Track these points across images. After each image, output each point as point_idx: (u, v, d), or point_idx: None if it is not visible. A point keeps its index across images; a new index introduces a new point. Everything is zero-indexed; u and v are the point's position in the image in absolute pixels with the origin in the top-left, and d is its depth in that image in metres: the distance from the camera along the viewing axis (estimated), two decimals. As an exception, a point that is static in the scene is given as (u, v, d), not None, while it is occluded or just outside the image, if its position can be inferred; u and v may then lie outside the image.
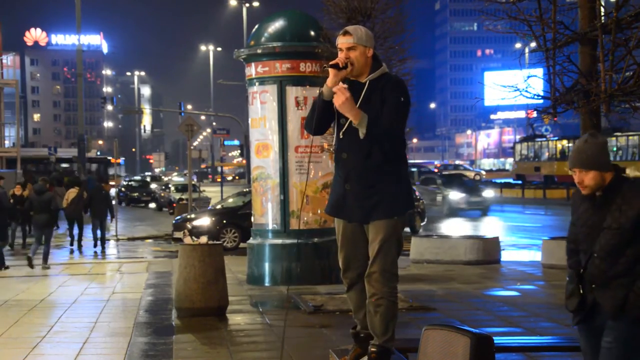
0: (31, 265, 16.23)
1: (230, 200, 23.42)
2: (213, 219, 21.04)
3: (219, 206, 23.28)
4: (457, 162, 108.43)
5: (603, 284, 4.34)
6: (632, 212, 4.25)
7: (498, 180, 61.70)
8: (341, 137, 5.54)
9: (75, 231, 21.44)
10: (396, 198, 5.49)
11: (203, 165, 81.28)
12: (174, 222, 22.47)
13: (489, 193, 36.77)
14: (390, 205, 5.48)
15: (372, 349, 5.59)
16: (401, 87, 5.49)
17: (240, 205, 21.61)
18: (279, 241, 13.01)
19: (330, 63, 5.43)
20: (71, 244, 21.52)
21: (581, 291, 4.45)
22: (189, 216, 22.18)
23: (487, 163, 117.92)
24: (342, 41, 5.48)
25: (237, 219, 20.76)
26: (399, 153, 5.50)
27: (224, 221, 20.88)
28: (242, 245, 19.87)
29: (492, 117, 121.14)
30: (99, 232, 21.04)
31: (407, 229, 25.72)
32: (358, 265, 5.79)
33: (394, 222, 5.52)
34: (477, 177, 71.56)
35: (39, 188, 17.70)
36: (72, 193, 21.39)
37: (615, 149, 46.55)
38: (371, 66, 5.49)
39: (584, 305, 4.45)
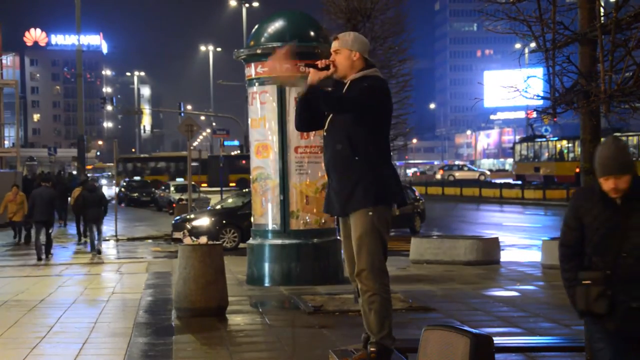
0: (99, 252, 19.81)
1: (230, 200, 23.42)
2: (212, 219, 21.05)
3: (218, 206, 23.28)
4: (458, 162, 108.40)
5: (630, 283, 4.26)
6: None
7: (499, 181, 61.70)
8: (324, 134, 5.84)
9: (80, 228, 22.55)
10: (367, 189, 5.55)
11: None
12: (173, 222, 22.48)
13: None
14: (361, 196, 5.56)
15: (372, 349, 5.58)
16: (370, 82, 5.65)
17: (239, 205, 21.61)
18: (278, 241, 13.01)
19: (306, 63, 5.71)
20: (79, 240, 22.98)
21: (609, 292, 4.32)
22: (188, 216, 22.17)
23: (487, 163, 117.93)
24: (332, 45, 5.89)
25: (236, 219, 20.76)
26: (369, 143, 5.61)
27: (224, 221, 20.89)
28: (241, 245, 19.89)
29: (492, 117, 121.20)
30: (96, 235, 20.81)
31: (407, 229, 25.76)
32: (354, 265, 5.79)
33: (369, 215, 5.56)
34: (482, 177, 71.60)
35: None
36: (77, 191, 22.70)
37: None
38: (359, 69, 5.74)
39: (614, 308, 4.31)
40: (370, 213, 5.56)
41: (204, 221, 21.06)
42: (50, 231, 19.00)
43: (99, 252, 19.93)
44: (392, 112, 5.94)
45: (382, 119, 5.73)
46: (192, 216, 22.06)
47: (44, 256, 18.54)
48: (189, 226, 20.65)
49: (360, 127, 5.63)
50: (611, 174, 4.31)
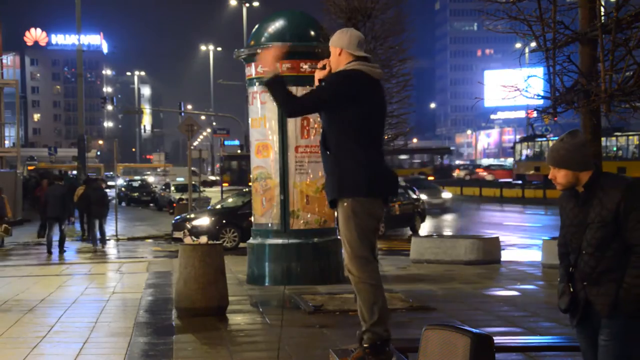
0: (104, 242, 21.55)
1: (230, 200, 23.42)
2: (212, 218, 21.04)
3: (218, 206, 23.29)
4: (458, 161, 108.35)
5: (594, 281, 4.36)
6: (612, 205, 4.29)
7: (500, 180, 61.67)
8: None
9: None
10: (340, 181, 5.68)
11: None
12: (173, 222, 22.49)
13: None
14: (336, 188, 5.72)
15: (365, 345, 5.64)
16: (340, 74, 5.79)
17: (239, 205, 21.59)
18: (279, 241, 13.01)
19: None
20: (82, 236, 23.88)
21: (572, 289, 4.48)
22: (188, 216, 22.18)
23: (487, 163, 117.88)
24: None
25: (236, 219, 20.75)
26: (341, 136, 5.71)
27: (224, 221, 20.88)
28: (241, 245, 19.91)
29: (492, 117, 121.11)
30: (97, 233, 21.78)
31: (408, 229, 25.76)
32: None
33: (344, 206, 5.68)
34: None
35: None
36: (81, 189, 23.38)
37: (615, 148, 46.54)
38: (345, 64, 5.83)
39: (575, 304, 4.48)
40: (345, 204, 5.68)
41: (204, 221, 21.07)
42: (63, 227, 20.00)
43: (103, 242, 21.50)
44: (370, 97, 5.81)
45: (351, 109, 5.70)
46: (192, 216, 22.06)
47: (53, 250, 19.64)
48: (189, 226, 20.67)
49: (332, 122, 5.77)
50: (548, 164, 4.52)
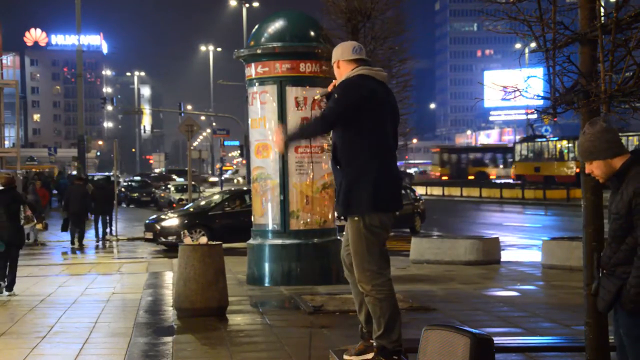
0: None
1: (203, 201, 23.28)
2: (181, 219, 20.87)
3: (192, 207, 23.12)
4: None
5: (609, 271, 4.33)
6: (627, 198, 4.23)
7: (499, 181, 61.69)
8: None
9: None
10: (350, 198, 5.74)
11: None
12: (146, 222, 22.45)
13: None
14: (345, 204, 5.79)
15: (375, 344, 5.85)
16: (341, 86, 5.85)
17: (211, 206, 21.49)
18: (279, 241, 13.01)
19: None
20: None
21: (600, 275, 4.43)
22: (162, 217, 22.19)
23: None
24: None
25: (206, 220, 20.62)
26: (348, 151, 5.75)
27: (193, 222, 20.62)
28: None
29: (492, 117, 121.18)
30: (100, 230, 23.77)
31: (407, 230, 25.77)
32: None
33: (355, 222, 5.76)
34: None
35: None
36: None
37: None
38: (346, 74, 5.91)
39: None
40: (356, 218, 5.76)
41: (172, 222, 20.92)
42: (83, 222, 22.66)
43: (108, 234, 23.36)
44: (379, 99, 5.82)
45: (360, 119, 5.73)
46: (163, 217, 22.04)
47: (76, 242, 22.18)
48: (158, 227, 20.68)
49: (341, 136, 5.81)
50: (582, 160, 4.47)
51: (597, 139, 4.37)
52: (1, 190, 12.67)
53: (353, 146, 5.74)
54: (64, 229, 23.93)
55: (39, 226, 20.98)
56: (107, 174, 51.41)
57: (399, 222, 24.93)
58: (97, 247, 21.33)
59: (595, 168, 4.39)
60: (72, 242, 22.24)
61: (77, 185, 23.72)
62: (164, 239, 20.65)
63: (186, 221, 20.66)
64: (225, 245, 20.18)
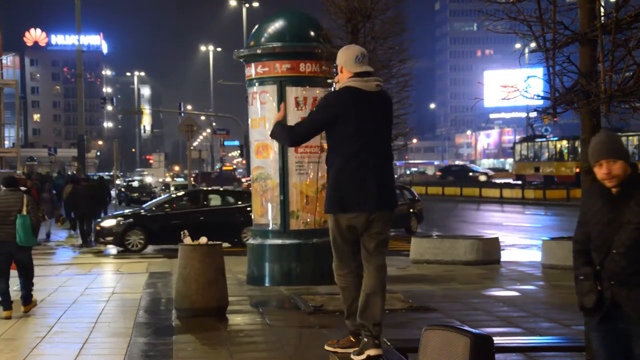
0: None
1: (150, 203, 23.24)
2: (118, 220, 20.78)
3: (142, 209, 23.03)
4: (458, 162, 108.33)
5: (623, 282, 4.24)
6: None
7: (499, 181, 61.67)
8: None
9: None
10: (326, 197, 6.26)
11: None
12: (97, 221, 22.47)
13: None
14: (325, 201, 6.33)
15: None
16: (320, 102, 6.39)
17: (151, 208, 21.43)
18: (278, 241, 13.01)
19: None
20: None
21: (599, 288, 4.33)
22: (106, 217, 22.27)
23: (487, 163, 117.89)
24: None
25: (145, 221, 20.55)
26: (331, 154, 6.19)
27: (130, 223, 20.52)
28: (148, 248, 20.39)
29: (492, 117, 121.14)
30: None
31: (404, 229, 25.75)
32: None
33: (330, 219, 6.30)
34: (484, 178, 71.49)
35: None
36: (69, 188, 24.63)
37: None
38: (344, 81, 6.20)
39: (602, 303, 4.32)
40: (330, 216, 6.27)
41: (111, 222, 20.87)
42: (91, 222, 22.58)
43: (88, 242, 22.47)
44: (359, 112, 6.07)
45: (339, 127, 6.06)
46: (107, 217, 22.11)
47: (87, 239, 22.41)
48: (99, 227, 20.74)
49: (327, 141, 6.25)
50: (601, 158, 4.30)
51: (621, 142, 4.31)
52: (25, 190, 12.92)
53: (329, 153, 6.21)
54: (72, 228, 25.01)
55: (57, 224, 23.91)
56: (107, 174, 51.39)
57: (393, 222, 24.87)
58: (80, 246, 21.77)
59: (618, 168, 4.26)
60: (85, 242, 22.34)
61: (84, 186, 24.02)
62: (102, 240, 20.68)
63: (122, 222, 20.60)
64: (164, 247, 20.20)
